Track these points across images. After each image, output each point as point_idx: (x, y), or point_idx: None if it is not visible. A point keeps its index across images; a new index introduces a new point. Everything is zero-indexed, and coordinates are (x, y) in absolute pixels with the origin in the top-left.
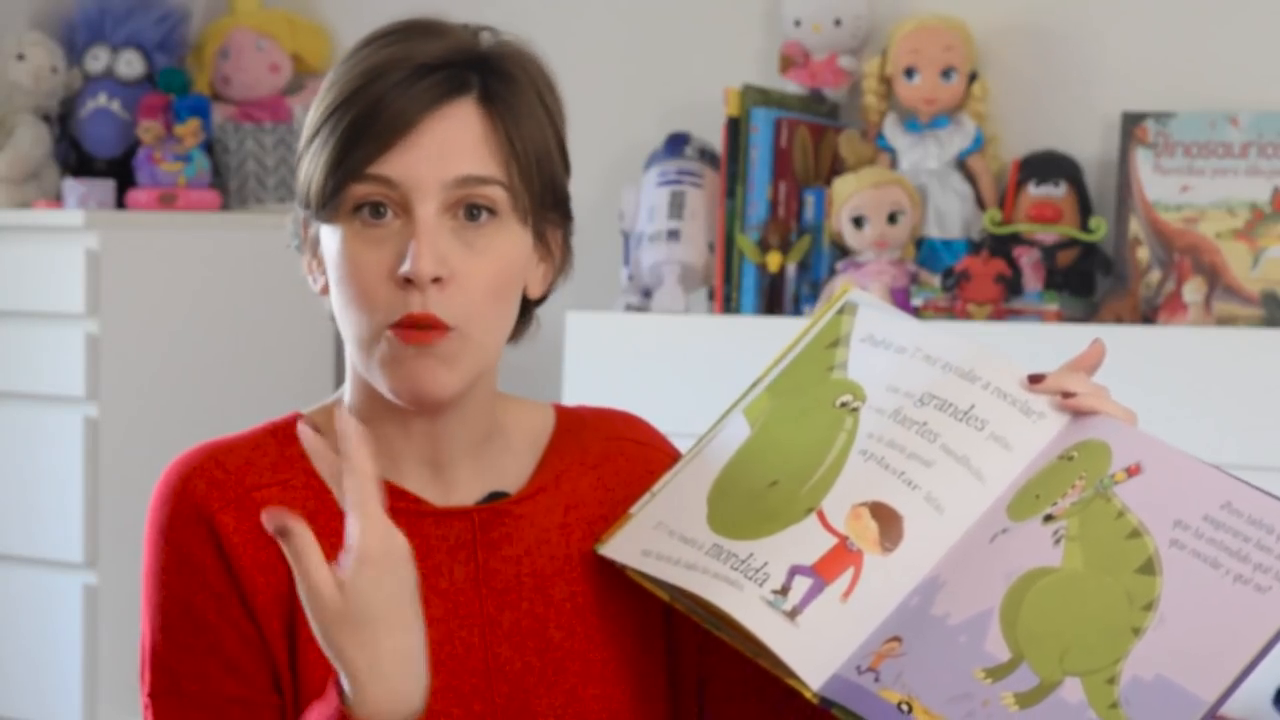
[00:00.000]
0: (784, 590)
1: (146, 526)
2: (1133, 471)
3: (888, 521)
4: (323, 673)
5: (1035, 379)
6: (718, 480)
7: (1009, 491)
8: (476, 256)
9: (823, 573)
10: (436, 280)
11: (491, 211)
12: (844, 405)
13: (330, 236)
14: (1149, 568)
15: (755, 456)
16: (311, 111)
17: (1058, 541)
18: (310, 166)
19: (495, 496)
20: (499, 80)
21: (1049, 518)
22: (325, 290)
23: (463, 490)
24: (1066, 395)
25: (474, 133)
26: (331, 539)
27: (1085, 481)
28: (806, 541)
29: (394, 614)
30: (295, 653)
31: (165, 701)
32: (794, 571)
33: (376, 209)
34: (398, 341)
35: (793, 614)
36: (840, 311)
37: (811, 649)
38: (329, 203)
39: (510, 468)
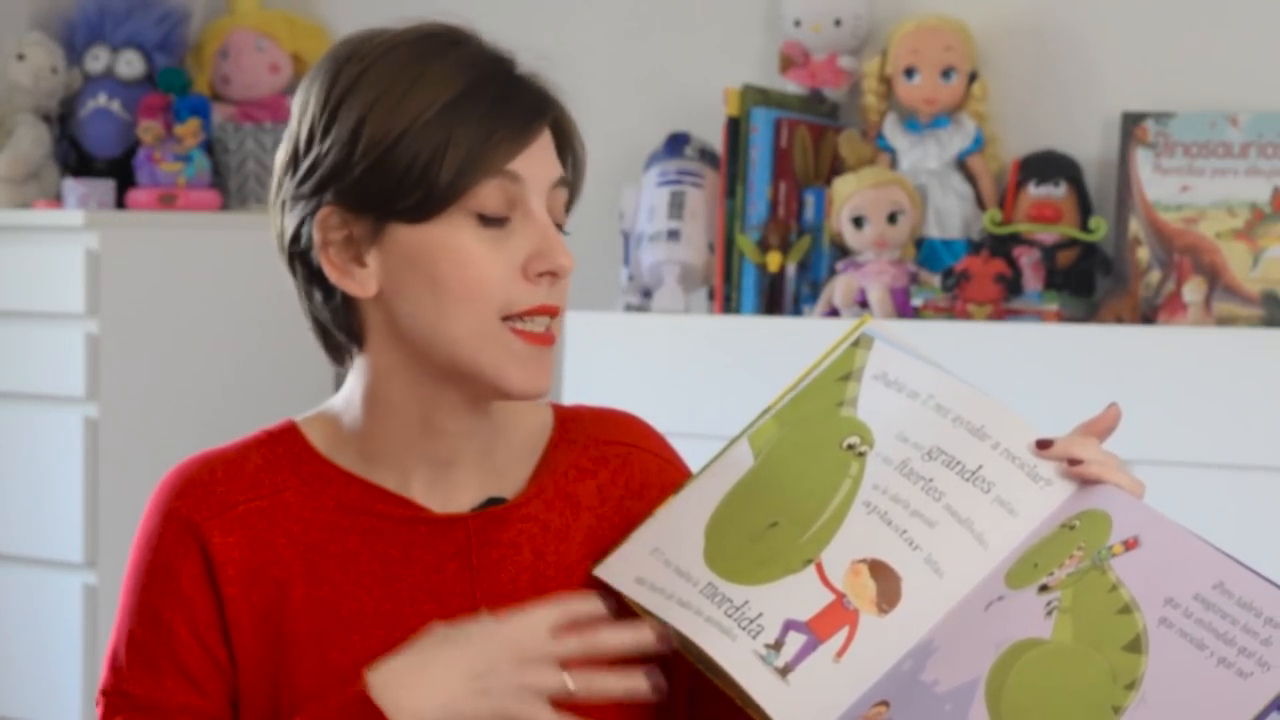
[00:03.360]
0: (777, 645)
1: (137, 530)
2: (1130, 545)
3: (886, 581)
4: (313, 682)
5: (1044, 444)
6: (717, 511)
7: (1010, 558)
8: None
9: (817, 630)
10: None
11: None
12: (850, 448)
13: (422, 235)
14: (1136, 645)
15: (757, 490)
16: (371, 112)
17: (1050, 613)
18: (384, 167)
19: (493, 502)
20: (551, 94)
21: (1044, 588)
22: (375, 292)
23: (463, 494)
24: (1073, 462)
25: (549, 139)
26: (331, 543)
27: (1084, 552)
28: (803, 595)
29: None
30: (282, 663)
31: (114, 700)
32: (789, 626)
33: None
34: (519, 341)
35: (784, 671)
36: (856, 344)
37: (800, 708)
38: (440, 201)
39: (509, 470)
